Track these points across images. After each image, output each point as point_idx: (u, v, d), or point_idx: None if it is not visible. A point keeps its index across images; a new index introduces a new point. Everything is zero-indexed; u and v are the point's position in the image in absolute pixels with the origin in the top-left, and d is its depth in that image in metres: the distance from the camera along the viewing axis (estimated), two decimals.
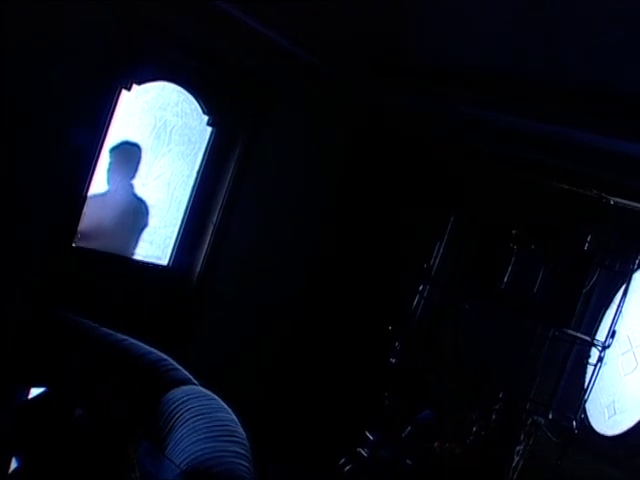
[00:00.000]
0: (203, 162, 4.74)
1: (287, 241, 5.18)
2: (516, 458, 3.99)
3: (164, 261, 4.76)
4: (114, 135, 4.26)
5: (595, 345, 3.85)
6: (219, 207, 4.72)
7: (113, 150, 4.35)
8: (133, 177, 4.55)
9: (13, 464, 2.70)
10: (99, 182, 4.31)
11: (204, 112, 4.69)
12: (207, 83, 4.61)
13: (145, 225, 4.68)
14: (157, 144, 4.61)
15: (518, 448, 3.99)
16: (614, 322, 3.80)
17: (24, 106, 3.53)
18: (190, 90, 4.58)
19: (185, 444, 2.80)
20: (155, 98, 4.52)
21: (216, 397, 3.17)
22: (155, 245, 4.76)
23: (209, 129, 4.74)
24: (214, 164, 4.76)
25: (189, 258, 4.78)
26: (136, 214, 4.66)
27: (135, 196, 4.60)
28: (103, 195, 4.46)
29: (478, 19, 3.39)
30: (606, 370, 3.85)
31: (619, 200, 3.89)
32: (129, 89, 4.11)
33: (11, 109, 3.44)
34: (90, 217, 4.23)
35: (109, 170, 4.43)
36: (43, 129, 3.66)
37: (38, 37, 3.46)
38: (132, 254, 4.66)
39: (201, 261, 4.76)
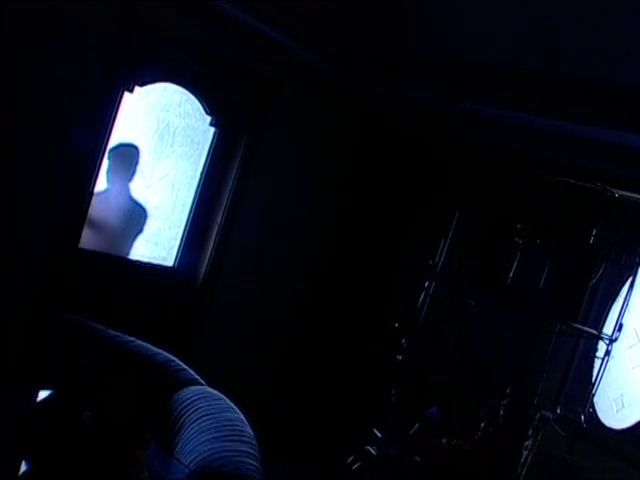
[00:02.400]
0: (207, 163, 4.75)
1: (291, 240, 5.18)
2: (524, 453, 3.98)
3: (169, 262, 4.77)
4: (117, 137, 4.25)
5: (602, 339, 3.83)
6: (223, 208, 4.72)
7: (111, 152, 4.31)
8: (131, 179, 4.53)
9: (22, 467, 2.71)
10: (99, 183, 4.30)
11: (207, 113, 4.69)
12: (209, 84, 4.61)
13: (141, 230, 4.64)
14: (160, 145, 4.59)
15: (526, 443, 3.98)
16: (621, 315, 3.79)
17: (25, 106, 3.53)
18: (192, 91, 4.58)
19: (193, 444, 2.81)
20: (157, 100, 4.50)
21: (224, 397, 3.18)
22: (160, 246, 4.76)
23: (212, 129, 4.75)
24: (218, 165, 4.77)
25: (194, 259, 4.78)
26: (132, 218, 4.63)
27: (132, 200, 4.57)
28: (100, 195, 4.40)
29: (478, 16, 3.38)
30: (614, 364, 3.84)
31: (624, 193, 3.88)
32: (131, 91, 4.13)
33: (11, 109, 3.44)
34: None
35: (107, 171, 4.39)
36: (45, 129, 3.66)
37: (38, 38, 3.47)
38: (127, 255, 4.64)
39: (206, 262, 4.77)
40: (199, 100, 4.64)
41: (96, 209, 4.28)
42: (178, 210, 4.75)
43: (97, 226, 4.39)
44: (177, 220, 4.76)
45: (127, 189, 4.54)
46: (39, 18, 3.42)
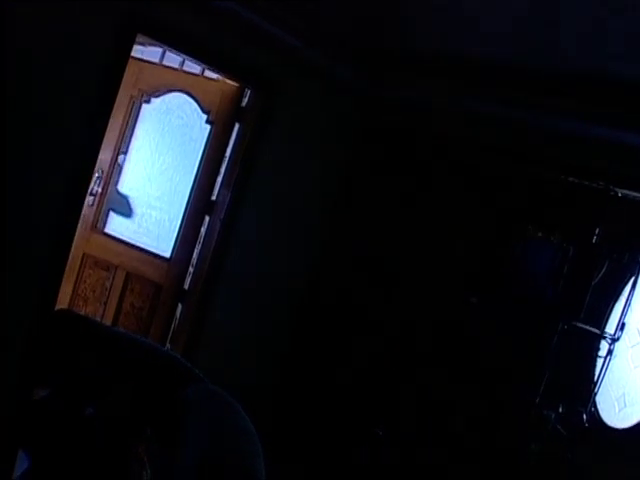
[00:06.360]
0: (203, 158, 4.80)
1: (290, 237, 5.14)
2: (526, 452, 3.96)
3: (167, 254, 4.86)
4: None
5: (604, 338, 3.83)
6: (222, 204, 4.69)
7: None
8: None
9: (25, 464, 2.67)
10: None
11: (203, 111, 4.80)
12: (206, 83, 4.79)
13: None
14: (162, 143, 4.85)
15: (528, 443, 3.96)
16: (623, 314, 3.78)
17: (25, 113, 3.46)
18: (189, 90, 4.79)
19: (197, 442, 2.78)
20: (160, 104, 4.88)
21: (227, 395, 3.15)
22: (160, 238, 4.90)
23: (208, 127, 4.81)
24: (213, 161, 4.77)
25: (190, 251, 4.79)
26: None
27: None
28: None
29: (479, 13, 3.36)
30: (616, 363, 3.83)
31: (626, 192, 3.88)
32: (148, 102, 4.70)
33: (12, 115, 3.38)
34: None
35: None
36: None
37: (40, 42, 3.41)
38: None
39: (198, 253, 4.77)
40: (195, 99, 4.80)
41: None
42: (177, 203, 4.85)
43: None
44: (176, 212, 4.86)
45: None
46: (40, 22, 3.36)
